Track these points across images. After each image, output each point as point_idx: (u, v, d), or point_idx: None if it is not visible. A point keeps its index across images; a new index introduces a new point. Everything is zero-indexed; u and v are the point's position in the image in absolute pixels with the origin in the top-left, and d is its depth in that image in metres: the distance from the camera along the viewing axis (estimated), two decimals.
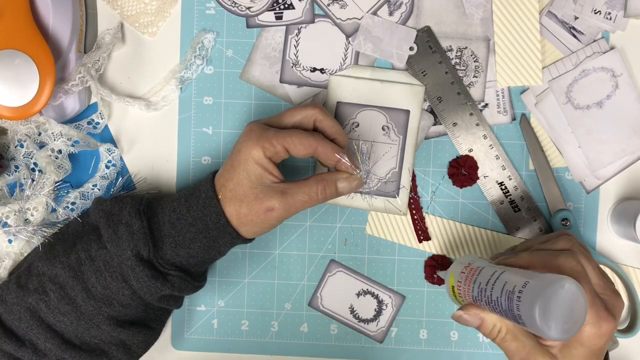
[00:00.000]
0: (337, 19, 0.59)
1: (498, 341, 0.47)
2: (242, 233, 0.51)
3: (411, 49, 0.59)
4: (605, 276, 0.48)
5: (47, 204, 0.57)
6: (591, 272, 0.46)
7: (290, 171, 0.61)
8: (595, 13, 0.58)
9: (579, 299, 0.41)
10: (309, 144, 0.50)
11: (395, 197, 0.59)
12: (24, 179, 0.57)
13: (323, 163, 0.52)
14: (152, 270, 0.50)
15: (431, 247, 0.61)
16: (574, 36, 0.59)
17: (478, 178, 0.60)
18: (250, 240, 0.53)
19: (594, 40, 0.59)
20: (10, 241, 0.57)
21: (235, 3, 0.59)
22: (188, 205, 0.51)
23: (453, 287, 0.51)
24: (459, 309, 0.48)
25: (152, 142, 0.61)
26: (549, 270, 0.45)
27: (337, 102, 0.59)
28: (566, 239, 0.48)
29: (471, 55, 0.59)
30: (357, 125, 0.59)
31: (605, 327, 0.44)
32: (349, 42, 0.60)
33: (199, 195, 0.51)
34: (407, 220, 0.60)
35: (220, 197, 0.51)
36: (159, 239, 0.51)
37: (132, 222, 0.51)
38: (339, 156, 0.51)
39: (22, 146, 0.57)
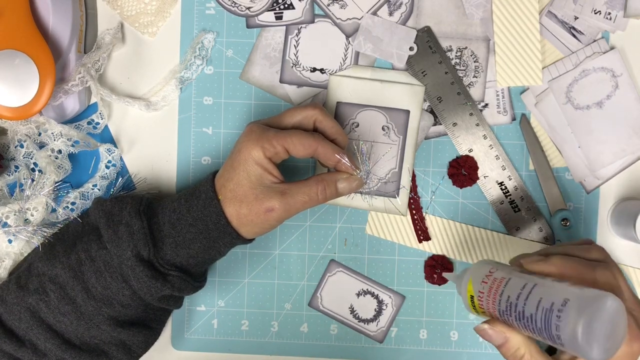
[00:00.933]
0: (337, 19, 0.59)
1: None
2: (242, 233, 0.51)
3: (411, 49, 0.59)
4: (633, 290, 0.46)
5: (47, 204, 0.57)
6: (624, 287, 0.43)
7: (290, 171, 0.61)
8: (595, 13, 0.58)
9: (620, 316, 0.38)
10: (309, 144, 0.50)
11: (395, 197, 0.59)
12: (24, 179, 0.57)
13: (323, 163, 0.52)
14: (152, 271, 0.50)
15: (431, 247, 0.61)
16: (574, 36, 0.59)
17: (478, 178, 0.60)
18: (250, 240, 0.53)
19: (594, 40, 0.59)
20: (10, 241, 0.57)
21: (235, 3, 0.59)
22: (188, 205, 0.51)
23: (472, 296, 0.47)
24: (484, 322, 0.44)
25: (152, 142, 0.61)
26: (584, 282, 0.42)
27: (337, 102, 0.59)
28: (600, 249, 0.45)
29: (471, 55, 0.59)
30: (357, 126, 0.59)
31: (637, 346, 0.41)
32: (349, 42, 0.60)
33: (199, 196, 0.51)
34: (407, 220, 0.60)
35: (220, 197, 0.51)
36: (159, 239, 0.51)
37: (132, 223, 0.51)
38: (339, 156, 0.51)
39: (22, 146, 0.57)
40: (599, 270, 0.43)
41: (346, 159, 0.51)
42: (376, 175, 0.59)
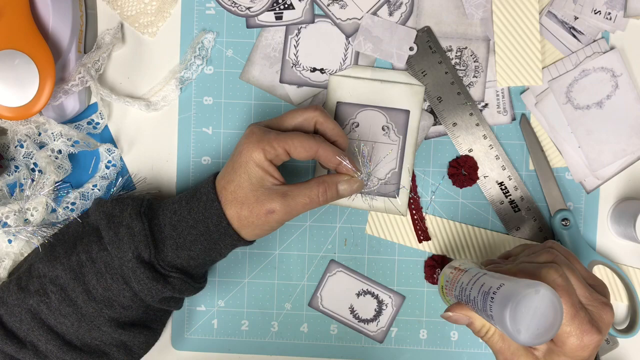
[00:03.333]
0: (337, 19, 0.59)
1: (486, 339, 0.48)
2: (243, 235, 0.51)
3: (411, 49, 0.59)
4: (598, 285, 0.48)
5: (47, 204, 0.57)
6: (576, 284, 0.46)
7: (290, 173, 0.61)
8: (595, 13, 0.58)
9: (553, 306, 0.41)
10: (310, 146, 0.50)
11: (395, 197, 0.59)
12: (24, 179, 0.57)
13: (324, 165, 0.52)
14: (153, 272, 0.50)
15: (431, 247, 0.61)
16: (574, 36, 0.59)
17: (478, 178, 0.60)
18: (251, 242, 0.53)
19: (594, 40, 0.59)
20: (10, 241, 0.57)
21: (235, 3, 0.59)
22: (189, 207, 0.51)
23: (442, 286, 0.53)
24: (447, 309, 0.49)
25: (152, 142, 0.61)
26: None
27: (337, 102, 0.59)
28: (548, 251, 0.48)
29: (471, 55, 0.59)
30: (357, 126, 0.59)
31: (588, 339, 0.44)
32: (349, 42, 0.60)
33: (200, 198, 0.51)
34: (407, 220, 0.60)
35: (221, 199, 0.51)
36: (160, 241, 0.51)
37: (133, 224, 0.51)
38: (339, 158, 0.51)
39: (22, 146, 0.57)
40: (544, 270, 0.45)
41: (347, 161, 0.51)
42: (376, 176, 0.59)
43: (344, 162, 0.51)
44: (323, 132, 0.52)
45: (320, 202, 0.51)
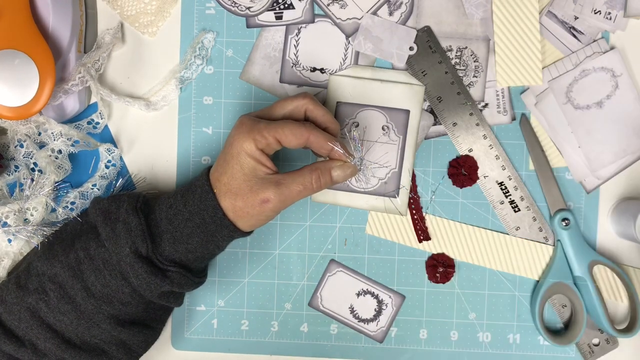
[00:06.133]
0: (337, 19, 0.59)
1: None
2: (240, 226, 0.51)
3: (411, 49, 0.59)
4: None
5: (46, 204, 0.57)
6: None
7: (289, 169, 0.61)
8: (595, 13, 0.58)
9: None
10: (301, 134, 0.50)
11: (395, 197, 0.59)
12: (24, 179, 0.57)
13: (316, 152, 0.52)
14: (151, 267, 0.50)
15: (431, 247, 0.61)
16: (574, 36, 0.59)
17: (478, 178, 0.60)
18: (248, 233, 0.53)
19: (594, 40, 0.59)
20: (9, 241, 0.57)
21: (235, 3, 0.59)
22: (184, 200, 0.51)
23: None
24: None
25: (152, 142, 0.61)
26: None
27: (337, 102, 0.59)
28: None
29: (471, 55, 0.59)
30: (357, 125, 0.59)
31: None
32: (349, 42, 0.60)
33: (194, 191, 0.51)
34: (407, 220, 0.60)
35: (215, 191, 0.51)
36: (156, 235, 0.51)
37: (130, 220, 0.51)
38: (331, 144, 0.51)
39: (22, 146, 0.57)
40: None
41: (339, 146, 0.51)
42: (376, 176, 0.59)
43: (336, 148, 0.51)
44: (314, 119, 0.52)
45: (314, 189, 0.51)
